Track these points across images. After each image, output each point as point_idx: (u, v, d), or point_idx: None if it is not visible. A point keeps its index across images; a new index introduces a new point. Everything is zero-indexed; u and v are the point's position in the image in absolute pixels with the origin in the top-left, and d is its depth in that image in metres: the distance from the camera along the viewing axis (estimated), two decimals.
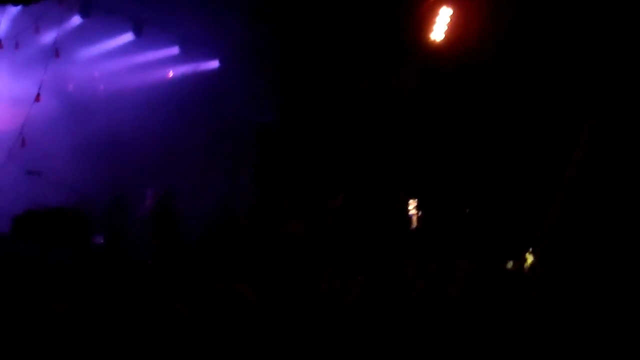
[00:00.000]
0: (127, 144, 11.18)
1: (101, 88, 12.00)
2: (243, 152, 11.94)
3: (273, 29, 10.96)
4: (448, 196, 10.88)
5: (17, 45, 9.84)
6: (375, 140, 11.21)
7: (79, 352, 2.95)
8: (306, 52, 11.18)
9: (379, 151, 11.17)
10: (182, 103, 11.83)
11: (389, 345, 3.48)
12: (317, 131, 11.51)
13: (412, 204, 10.83)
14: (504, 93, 10.09)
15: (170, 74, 12.67)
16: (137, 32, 11.43)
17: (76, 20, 10.85)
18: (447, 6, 9.72)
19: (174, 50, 12.17)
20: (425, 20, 9.87)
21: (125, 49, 11.84)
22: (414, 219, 10.80)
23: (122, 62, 12.01)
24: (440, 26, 9.79)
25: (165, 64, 12.48)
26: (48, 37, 10.32)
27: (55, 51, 9.73)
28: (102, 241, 9.76)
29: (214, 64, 12.56)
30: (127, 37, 11.60)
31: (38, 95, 9.51)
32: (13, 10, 10.31)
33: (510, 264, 8.79)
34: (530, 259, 9.11)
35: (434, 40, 9.85)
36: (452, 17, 9.72)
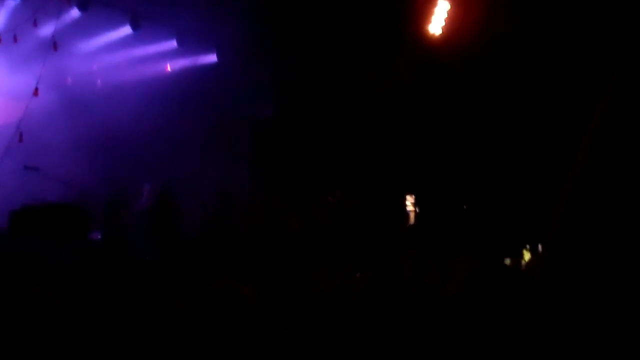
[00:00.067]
0: (125, 139, 11.15)
1: (99, 82, 11.96)
2: (241, 148, 11.92)
3: (271, 24, 10.94)
4: (446, 193, 10.87)
5: (15, 39, 9.80)
6: (374, 136, 11.20)
7: (76, 349, 2.94)
8: (304, 47, 11.16)
9: (377, 147, 11.16)
10: (180, 97, 11.81)
11: (387, 343, 3.48)
12: (315, 127, 11.50)
13: (410, 201, 10.83)
14: (502, 87, 10.08)
15: (168, 67, 12.64)
16: (135, 26, 11.40)
17: (74, 13, 10.81)
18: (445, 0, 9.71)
19: (172, 44, 12.14)
20: (423, 14, 9.85)
21: (123, 43, 11.81)
22: (412, 215, 10.80)
23: (120, 56, 11.97)
24: (438, 19, 9.78)
25: (163, 58, 12.45)
26: (46, 30, 10.29)
27: (54, 44, 9.70)
28: (99, 237, 9.74)
29: (212, 58, 12.53)
30: (125, 30, 11.57)
31: (36, 89, 9.48)
32: (11, 3, 10.28)
33: (507, 261, 8.80)
34: (527, 255, 9.12)
35: (432, 34, 9.84)
36: (449, 10, 9.71)
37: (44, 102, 10.02)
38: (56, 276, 4.15)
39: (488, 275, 3.18)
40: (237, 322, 3.19)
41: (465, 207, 10.80)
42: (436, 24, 9.78)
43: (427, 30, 9.85)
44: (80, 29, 11.15)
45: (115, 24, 11.52)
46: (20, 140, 9.40)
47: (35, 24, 9.95)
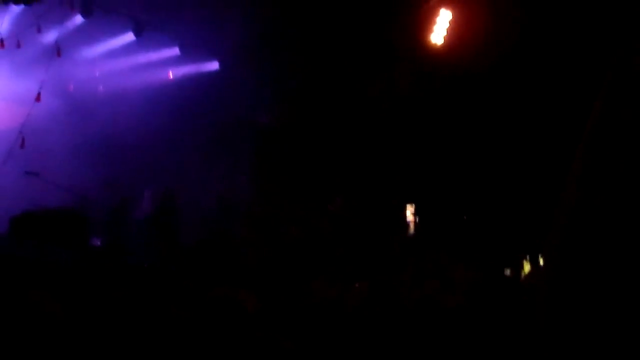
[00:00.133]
0: (126, 145, 11.17)
1: (101, 88, 11.99)
2: (242, 155, 11.93)
3: (273, 32, 10.97)
4: (446, 203, 10.87)
5: (18, 45, 9.83)
6: (374, 144, 11.21)
7: (72, 354, 2.94)
8: (306, 55, 11.19)
9: (378, 156, 11.16)
10: (181, 104, 11.83)
11: (386, 353, 3.47)
12: (315, 135, 11.51)
13: (410, 210, 10.82)
14: (503, 98, 10.09)
15: (171, 75, 12.67)
16: (138, 33, 11.44)
17: (77, 19, 10.84)
18: (447, 9, 9.72)
19: (175, 51, 12.18)
20: (425, 23, 9.87)
21: (125, 50, 11.85)
22: (412, 225, 10.79)
23: (122, 63, 12.01)
24: (440, 29, 9.79)
25: (166, 65, 12.48)
26: (49, 36, 10.33)
27: (57, 51, 9.72)
28: (99, 243, 9.73)
29: (214, 65, 12.57)
30: (128, 37, 11.62)
31: (39, 94, 9.50)
32: (15, 10, 10.30)
33: (507, 272, 8.78)
34: (527, 266, 9.10)
35: (434, 44, 9.86)
36: (451, 20, 9.72)
37: (46, 108, 10.03)
38: (55, 282, 4.14)
39: (488, 286, 3.18)
40: (236, 330, 3.19)
41: (465, 217, 10.80)
42: (438, 34, 9.80)
43: (429, 40, 9.87)
44: (84, 36, 11.19)
45: (118, 31, 11.57)
46: (22, 145, 9.41)
47: (38, 30, 9.99)
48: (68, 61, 10.67)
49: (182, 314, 3.35)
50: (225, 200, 11.08)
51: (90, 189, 10.35)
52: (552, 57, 9.23)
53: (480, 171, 10.53)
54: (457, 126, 10.63)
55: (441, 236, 10.24)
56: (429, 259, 8.04)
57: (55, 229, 8.43)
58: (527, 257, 9.15)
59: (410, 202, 10.89)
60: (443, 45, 9.80)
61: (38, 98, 9.51)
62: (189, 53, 12.22)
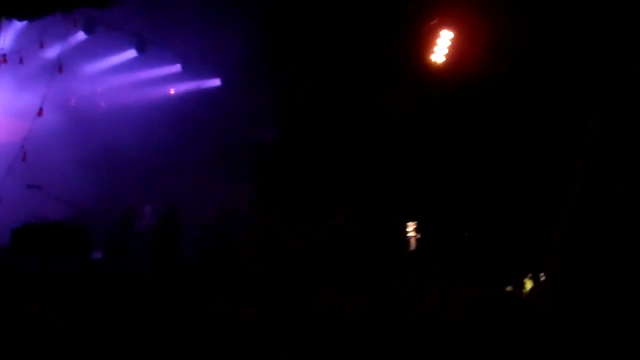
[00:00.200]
0: (128, 160, 11.19)
1: (103, 104, 12.04)
2: (244, 170, 11.95)
3: (275, 49, 11.03)
4: (448, 220, 10.87)
5: (21, 60, 9.89)
6: (376, 161, 11.23)
7: None
8: (308, 72, 11.24)
9: (379, 173, 11.18)
10: (183, 120, 11.87)
11: None
12: (317, 151, 11.53)
13: (412, 226, 10.81)
14: (504, 115, 10.13)
15: (172, 91, 12.73)
16: (140, 49, 11.50)
17: (80, 36, 10.90)
18: (448, 29, 9.80)
19: (177, 67, 12.24)
20: (426, 42, 9.94)
21: (128, 66, 11.91)
22: (413, 241, 10.78)
23: (124, 79, 12.07)
24: (441, 48, 9.86)
25: (168, 81, 12.54)
26: (52, 52, 10.39)
27: (59, 66, 9.78)
28: (100, 256, 9.73)
29: (216, 82, 12.62)
30: (130, 53, 11.67)
31: (41, 109, 9.54)
32: (18, 25, 10.38)
33: (509, 289, 8.76)
34: (529, 284, 9.08)
35: (435, 62, 9.92)
36: (452, 40, 9.79)
37: (48, 122, 10.07)
38: (56, 294, 4.14)
39: (489, 303, 3.18)
40: (236, 344, 3.18)
41: (466, 234, 10.79)
42: (439, 53, 9.87)
43: (430, 59, 9.94)
44: (86, 52, 11.25)
45: (121, 47, 11.63)
46: (24, 159, 9.44)
47: (41, 45, 10.06)
48: (70, 77, 10.73)
49: (182, 327, 3.35)
50: (226, 214, 11.09)
51: (92, 203, 10.37)
52: (552, 75, 9.28)
53: (482, 188, 10.54)
54: (458, 144, 10.66)
55: (442, 253, 10.23)
56: (430, 275, 8.04)
57: (57, 241, 8.44)
58: (529, 274, 9.14)
59: (412, 219, 10.89)
60: (444, 64, 9.87)
61: (40, 113, 9.55)
62: (191, 70, 12.28)
